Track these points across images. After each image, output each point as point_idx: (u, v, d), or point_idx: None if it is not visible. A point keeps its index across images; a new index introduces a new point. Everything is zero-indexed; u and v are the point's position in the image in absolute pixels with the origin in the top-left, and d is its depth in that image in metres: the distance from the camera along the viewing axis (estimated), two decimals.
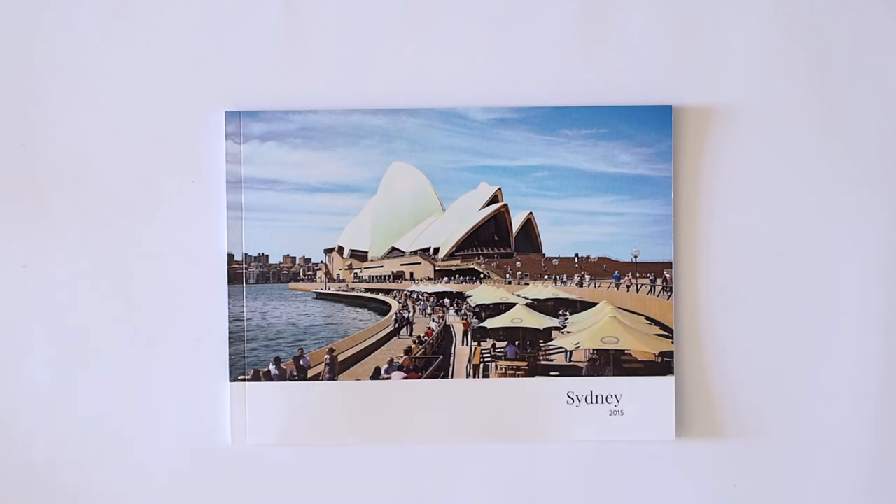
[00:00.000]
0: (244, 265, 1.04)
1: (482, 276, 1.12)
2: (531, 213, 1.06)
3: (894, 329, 1.03)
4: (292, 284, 1.11)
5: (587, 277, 1.08)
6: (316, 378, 1.04)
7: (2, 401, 1.02)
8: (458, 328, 1.11)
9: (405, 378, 1.04)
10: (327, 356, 1.05)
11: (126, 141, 1.02)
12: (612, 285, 1.08)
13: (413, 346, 1.08)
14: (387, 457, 1.04)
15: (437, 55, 1.02)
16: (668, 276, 1.03)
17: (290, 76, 1.02)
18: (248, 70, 1.02)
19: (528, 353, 1.06)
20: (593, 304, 1.09)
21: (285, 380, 1.03)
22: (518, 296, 1.10)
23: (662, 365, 1.03)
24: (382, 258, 1.14)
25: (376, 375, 1.04)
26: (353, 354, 1.07)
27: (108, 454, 1.03)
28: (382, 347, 1.08)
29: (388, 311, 1.12)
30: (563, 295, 1.09)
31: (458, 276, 1.13)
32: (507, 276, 1.11)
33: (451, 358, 1.07)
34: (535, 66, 1.02)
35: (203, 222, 1.03)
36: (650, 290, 1.05)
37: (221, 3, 1.02)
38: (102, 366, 1.02)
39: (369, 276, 1.14)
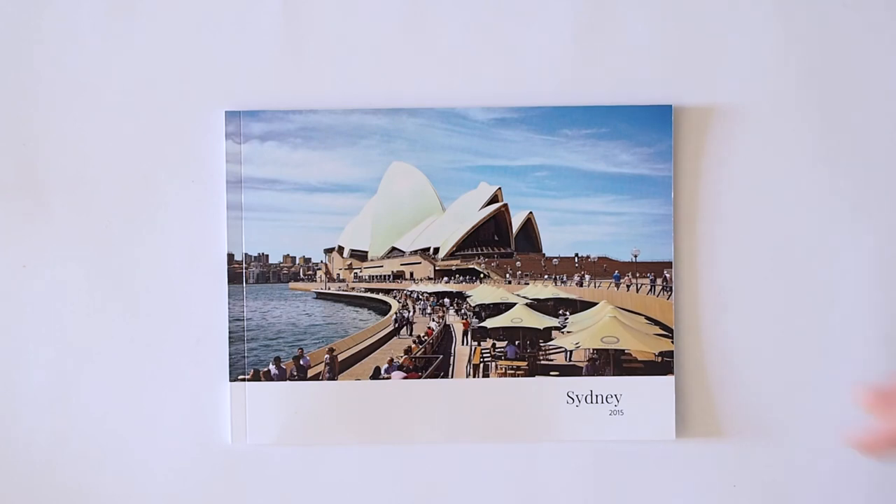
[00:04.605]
0: (244, 265, 1.04)
1: (482, 275, 1.12)
2: (531, 212, 1.06)
3: (894, 329, 1.03)
4: (292, 284, 1.11)
5: (587, 277, 1.08)
6: (316, 378, 1.04)
7: (2, 400, 1.02)
8: (458, 328, 1.11)
9: (405, 378, 1.04)
10: (327, 356, 1.05)
11: (126, 141, 1.02)
12: (612, 285, 1.08)
13: (413, 345, 1.08)
14: (387, 457, 1.04)
15: (437, 55, 1.02)
16: (668, 275, 1.03)
17: (290, 76, 1.02)
18: (248, 70, 1.02)
19: (528, 353, 1.06)
20: (593, 304, 1.09)
21: (285, 380, 1.03)
22: (518, 295, 1.10)
23: (662, 365, 1.03)
24: (382, 258, 1.14)
25: (376, 375, 1.04)
26: (353, 354, 1.07)
27: (108, 454, 1.03)
28: (382, 347, 1.08)
29: (388, 310, 1.12)
30: (563, 295, 1.09)
31: (458, 275, 1.13)
32: (507, 275, 1.11)
33: (451, 358, 1.07)
34: (535, 66, 1.02)
35: (203, 222, 1.03)
36: (650, 289, 1.05)
37: (221, 3, 1.02)
38: (102, 366, 1.02)
39: (369, 276, 1.14)
